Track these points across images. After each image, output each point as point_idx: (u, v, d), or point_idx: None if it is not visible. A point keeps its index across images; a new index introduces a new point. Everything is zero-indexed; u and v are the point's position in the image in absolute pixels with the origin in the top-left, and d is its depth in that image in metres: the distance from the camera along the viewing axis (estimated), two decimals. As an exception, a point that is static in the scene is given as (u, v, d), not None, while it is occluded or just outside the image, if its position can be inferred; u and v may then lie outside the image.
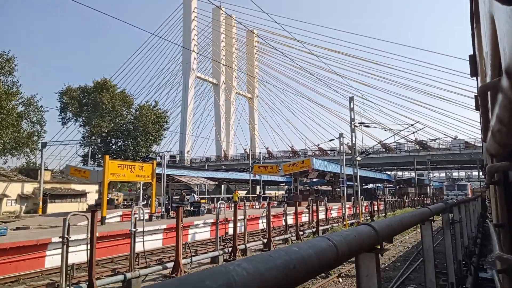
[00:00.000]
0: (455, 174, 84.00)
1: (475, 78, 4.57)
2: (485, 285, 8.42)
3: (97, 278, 9.87)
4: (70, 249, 11.76)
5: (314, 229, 20.88)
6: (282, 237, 18.09)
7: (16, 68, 38.52)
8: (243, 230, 16.01)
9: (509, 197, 2.89)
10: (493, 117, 1.02)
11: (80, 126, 53.96)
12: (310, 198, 26.48)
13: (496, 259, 2.65)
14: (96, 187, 41.14)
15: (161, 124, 55.42)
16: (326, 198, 35.59)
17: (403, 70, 61.44)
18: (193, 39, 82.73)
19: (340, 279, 10.67)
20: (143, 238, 10.87)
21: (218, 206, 15.07)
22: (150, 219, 20.62)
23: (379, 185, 68.63)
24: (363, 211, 29.80)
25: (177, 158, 73.95)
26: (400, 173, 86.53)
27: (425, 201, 51.87)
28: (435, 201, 51.51)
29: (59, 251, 8.82)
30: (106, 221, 21.65)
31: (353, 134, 24.47)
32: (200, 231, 19.20)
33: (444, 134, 57.88)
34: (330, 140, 33.04)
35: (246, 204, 38.57)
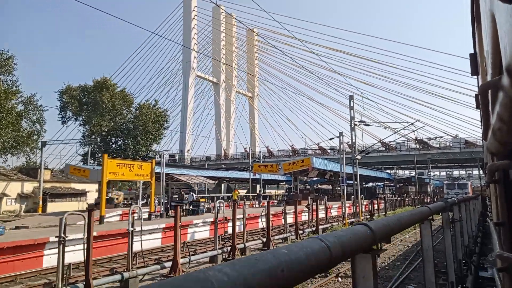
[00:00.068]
0: (456, 172, 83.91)
1: (475, 76, 4.56)
2: (486, 284, 8.35)
3: (95, 277, 9.81)
4: (68, 248, 11.71)
5: (313, 228, 20.82)
6: (281, 236, 18.05)
7: (16, 67, 38.50)
8: (242, 229, 15.94)
9: (510, 196, 2.84)
10: (493, 116, 1.02)
11: (80, 125, 53.99)
12: (310, 197, 26.37)
13: (497, 258, 2.66)
14: (96, 186, 41.10)
15: (161, 123, 55.37)
16: (326, 197, 35.51)
17: (404, 68, 61.26)
18: (193, 38, 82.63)
19: (339, 279, 10.60)
20: (141, 238, 10.79)
21: (217, 205, 15.00)
22: (149, 218, 20.56)
23: (380, 183, 68.54)
24: (363, 210, 29.74)
25: (176, 157, 73.88)
26: (400, 171, 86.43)
27: (425, 200, 51.79)
28: (435, 200, 51.44)
29: (57, 250, 8.75)
30: (106, 220, 21.62)
31: (353, 132, 24.39)
32: (199, 230, 19.15)
33: (445, 133, 57.85)
34: (330, 139, 32.93)
35: (246, 203, 38.63)
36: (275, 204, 41.65)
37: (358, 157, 25.02)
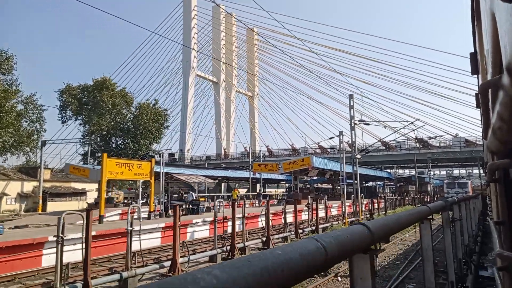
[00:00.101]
0: (456, 172, 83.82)
1: (475, 76, 4.56)
2: (486, 283, 8.31)
3: (94, 277, 9.78)
4: (67, 248, 11.69)
5: (313, 228, 20.79)
6: (281, 235, 18.02)
7: (15, 66, 38.46)
8: (242, 229, 15.90)
9: (510, 195, 2.84)
10: (493, 115, 1.02)
11: (80, 124, 53.96)
12: (310, 196, 26.34)
13: (497, 257, 2.70)
14: (96, 185, 41.05)
15: (161, 122, 55.33)
16: (326, 196, 35.47)
17: (404, 67, 61.16)
18: (193, 37, 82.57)
19: (339, 278, 10.58)
20: (139, 237, 10.76)
21: (216, 204, 14.97)
22: (148, 218, 20.52)
23: (380, 183, 68.50)
24: (363, 209, 29.70)
25: (176, 156, 73.86)
26: (400, 171, 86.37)
27: (425, 199, 51.75)
28: (435, 199, 51.40)
29: (55, 250, 8.71)
30: (106, 219, 21.58)
31: (353, 131, 24.35)
32: (199, 229, 19.12)
33: (445, 132, 57.74)
34: (330, 138, 32.94)
35: (246, 202, 38.61)
36: (275, 203, 41.64)
37: (358, 156, 24.98)
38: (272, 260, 1.23)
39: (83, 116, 52.11)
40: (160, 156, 29.16)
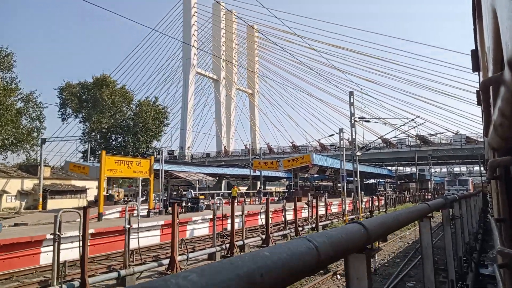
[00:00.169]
0: (457, 169, 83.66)
1: (477, 73, 4.52)
2: (486, 281, 8.24)
3: (92, 275, 9.73)
4: (65, 245, 11.65)
5: (313, 225, 20.74)
6: (281, 233, 17.98)
7: (15, 64, 38.33)
8: (241, 226, 15.85)
9: (511, 192, 2.83)
10: (495, 111, 1.03)
11: (80, 122, 53.80)
12: (309, 194, 26.31)
13: (497, 254, 2.65)
14: (96, 183, 41.05)
15: (161, 120, 55.16)
16: (326, 194, 35.39)
17: (404, 65, 61.11)
18: (193, 34, 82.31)
19: (338, 276, 10.51)
20: (137, 235, 10.70)
21: (215, 202, 14.91)
22: (148, 215, 20.47)
23: (380, 180, 68.43)
24: (364, 206, 29.64)
25: (175, 154, 73.80)
26: (401, 168, 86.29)
27: (426, 197, 51.71)
28: (436, 196, 51.33)
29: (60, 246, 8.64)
30: (106, 217, 21.54)
31: (353, 129, 24.24)
32: (198, 227, 19.07)
33: (446, 129, 57.62)
34: (330, 135, 32.90)
35: (246, 200, 38.58)
36: (276, 200, 41.63)
37: (358, 153, 24.88)
38: (258, 262, 1.15)
39: (83, 114, 51.95)
40: (159, 154, 29.05)
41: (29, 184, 42.54)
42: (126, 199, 34.94)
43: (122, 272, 9.42)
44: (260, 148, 70.52)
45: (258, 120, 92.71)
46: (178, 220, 11.33)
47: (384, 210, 31.94)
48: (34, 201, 40.81)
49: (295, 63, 70.67)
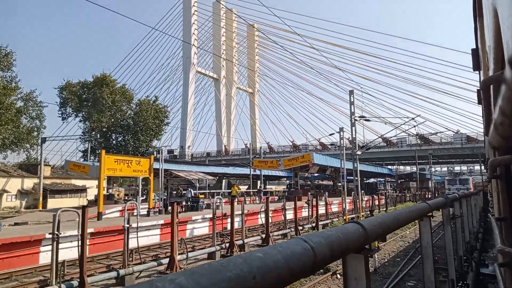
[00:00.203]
0: (457, 168, 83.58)
1: (477, 72, 4.53)
2: (487, 281, 8.20)
3: (91, 274, 9.71)
4: (65, 245, 11.62)
5: (313, 224, 20.71)
6: (281, 232, 17.94)
7: (15, 63, 38.31)
8: (241, 226, 15.81)
9: (511, 191, 2.83)
10: (495, 110, 1.03)
11: (80, 121, 53.82)
12: (310, 193, 26.27)
13: (498, 253, 2.71)
14: (97, 182, 41.03)
15: (161, 119, 55.15)
16: (326, 193, 35.39)
17: (405, 63, 60.96)
18: (193, 33, 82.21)
19: (338, 275, 10.48)
20: (137, 234, 10.67)
21: (215, 201, 14.87)
22: (147, 215, 20.44)
23: (381, 179, 68.38)
24: (364, 205, 29.59)
25: (177, 153, 73.78)
26: (401, 167, 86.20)
27: (426, 196, 51.64)
28: (436, 195, 51.29)
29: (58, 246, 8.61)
30: (106, 216, 21.52)
31: (353, 128, 24.18)
32: (198, 226, 19.04)
33: (446, 128, 57.54)
34: (331, 134, 32.79)
35: (246, 199, 38.46)
36: (276, 200, 41.59)
37: (359, 152, 24.83)
38: (251, 264, 1.11)
39: (83, 113, 51.96)
40: (158, 153, 29.01)
41: (29, 183, 42.53)
42: (126, 198, 34.95)
43: (121, 272, 9.39)
44: (261, 147, 70.49)
45: (258, 119, 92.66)
46: (177, 220, 11.30)
47: (384, 209, 31.90)
48: (34, 201, 40.80)
49: (295, 62, 70.67)
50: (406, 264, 11.99)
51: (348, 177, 28.59)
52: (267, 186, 67.80)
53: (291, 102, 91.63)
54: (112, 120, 51.47)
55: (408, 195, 48.94)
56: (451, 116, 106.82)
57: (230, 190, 42.76)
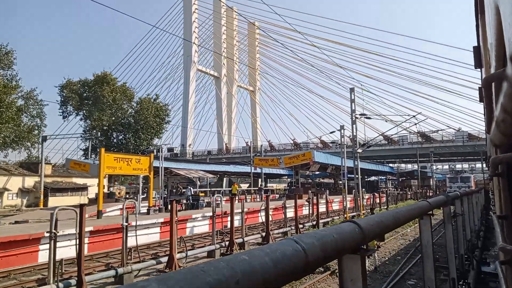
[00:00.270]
0: (459, 166, 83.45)
1: (479, 69, 4.53)
2: (488, 279, 8.13)
3: (90, 273, 9.67)
4: (64, 243, 11.60)
5: (314, 222, 20.65)
6: (281, 230, 17.87)
7: (15, 61, 38.26)
8: (241, 224, 15.75)
9: None
10: (497, 107, 1.03)
11: (81, 119, 53.78)
12: (310, 191, 26.21)
13: (500, 251, 2.72)
14: (98, 180, 41.03)
15: (162, 117, 55.05)
16: (327, 191, 35.28)
17: (406, 61, 60.68)
18: (194, 31, 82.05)
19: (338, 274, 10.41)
20: (135, 233, 10.62)
21: (214, 199, 14.81)
22: (148, 213, 20.40)
23: (382, 177, 68.25)
24: (365, 203, 29.51)
25: (175, 151, 73.78)
26: (403, 165, 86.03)
27: (428, 194, 51.54)
28: (437, 193, 51.19)
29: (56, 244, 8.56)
30: (106, 214, 21.51)
31: (354, 126, 24.08)
32: (198, 224, 18.99)
33: (447, 126, 57.32)
34: (331, 132, 32.60)
35: (247, 197, 38.39)
36: (277, 198, 41.55)
37: (359, 150, 24.73)
38: (234, 268, 1.03)
39: (84, 111, 51.92)
40: (158, 151, 28.94)
41: (30, 181, 42.55)
42: (127, 196, 34.95)
43: (120, 270, 9.34)
44: (261, 146, 70.41)
45: (259, 117, 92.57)
46: (176, 218, 11.24)
47: (385, 207, 31.83)
48: (35, 199, 40.83)
49: (296, 60, 70.46)
50: (407, 263, 11.92)
51: (349, 175, 28.50)
52: (268, 184, 67.76)
53: (292, 100, 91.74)
54: (113, 118, 51.41)
55: (409, 193, 48.85)
56: (453, 113, 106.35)
57: (230, 188, 42.77)
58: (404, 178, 65.25)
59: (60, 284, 7.81)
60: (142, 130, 52.10)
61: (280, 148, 74.14)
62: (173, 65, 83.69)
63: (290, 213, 20.43)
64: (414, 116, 25.07)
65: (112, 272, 9.28)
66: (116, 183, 40.33)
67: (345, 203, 24.46)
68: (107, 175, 29.48)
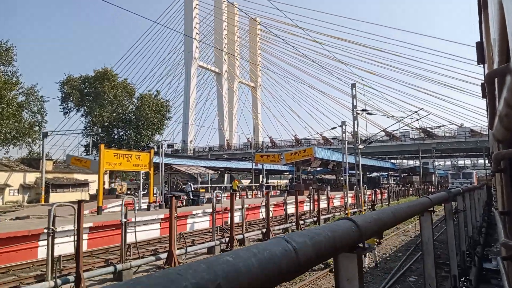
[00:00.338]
0: (461, 162, 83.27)
1: (481, 65, 4.48)
2: (490, 276, 8.05)
3: (88, 269, 9.63)
4: (64, 239, 11.58)
5: (315, 219, 20.60)
6: (282, 226, 17.83)
7: (16, 57, 38.15)
8: (242, 220, 15.70)
9: None
10: (500, 102, 1.03)
11: (82, 116, 53.74)
12: (311, 187, 26.14)
13: (502, 246, 2.73)
14: (99, 176, 41.05)
15: (163, 113, 54.95)
16: (328, 187, 35.22)
17: (408, 57, 60.50)
18: (194, 27, 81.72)
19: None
20: (134, 229, 10.57)
21: (216, 195, 14.76)
22: (148, 209, 20.38)
23: (384, 173, 68.15)
24: (367, 200, 29.44)
25: (178, 147, 73.73)
26: (405, 161, 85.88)
27: (430, 190, 51.43)
28: (439, 189, 51.08)
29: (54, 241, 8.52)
30: (108, 210, 21.52)
31: (355, 121, 23.96)
32: (199, 220, 18.96)
33: (450, 122, 57.10)
34: (333, 128, 32.63)
35: (249, 193, 38.34)
36: (278, 194, 41.53)
37: (361, 146, 24.62)
38: (216, 271, 0.94)
39: (85, 108, 51.85)
40: (158, 147, 28.88)
41: (31, 177, 42.63)
42: (129, 192, 34.98)
43: (119, 267, 9.30)
44: (263, 142, 70.20)
45: (260, 114, 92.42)
46: (176, 214, 11.18)
47: (387, 203, 31.76)
48: (37, 195, 40.93)
49: (297, 56, 70.17)
50: (408, 259, 11.85)
51: (350, 171, 28.42)
52: (270, 181, 67.78)
53: (293, 96, 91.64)
54: (114, 114, 51.33)
55: (411, 189, 48.75)
56: (455, 109, 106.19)
57: (231, 185, 42.75)
58: (406, 174, 65.12)
59: (58, 281, 7.77)
60: (143, 126, 52.03)
61: (281, 144, 74.04)
62: (174, 61, 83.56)
63: (291, 209, 20.37)
64: (416, 112, 24.95)
65: (111, 269, 9.24)
66: (117, 179, 40.42)
67: (346, 199, 24.39)
68: (107, 171, 29.49)
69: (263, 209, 18.05)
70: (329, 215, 22.94)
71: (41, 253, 11.73)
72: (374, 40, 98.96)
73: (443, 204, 6.17)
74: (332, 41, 65.98)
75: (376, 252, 11.63)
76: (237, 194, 29.49)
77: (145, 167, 22.65)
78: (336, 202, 31.00)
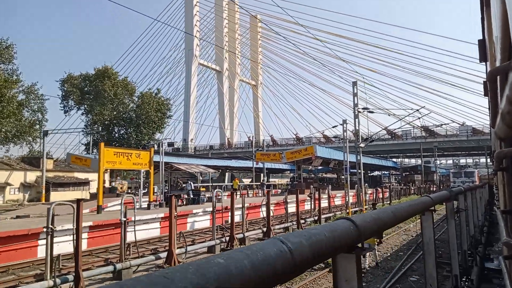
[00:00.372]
0: (463, 161, 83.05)
1: (484, 63, 4.45)
2: (491, 275, 7.99)
3: (88, 268, 9.60)
4: (64, 238, 11.55)
5: (316, 218, 20.55)
6: (282, 225, 17.78)
7: (16, 56, 38.11)
8: (242, 219, 15.65)
9: None
10: (502, 100, 1.03)
11: (82, 114, 53.74)
12: (312, 186, 26.05)
13: (503, 245, 2.69)
14: (100, 175, 41.01)
15: (163, 112, 54.91)
16: (329, 186, 35.15)
17: (410, 55, 60.21)
18: (195, 25, 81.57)
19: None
20: (134, 228, 10.53)
21: (216, 194, 14.71)
22: (148, 208, 20.35)
23: (385, 172, 68.06)
24: (368, 198, 29.39)
25: (178, 146, 73.69)
26: (406, 160, 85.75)
27: (431, 189, 51.33)
28: (441, 188, 50.99)
29: (53, 240, 8.48)
30: (108, 209, 21.50)
31: (357, 120, 23.89)
32: (199, 219, 18.92)
33: (452, 120, 56.97)
34: (334, 127, 32.48)
35: (249, 192, 38.29)
36: (279, 193, 41.48)
37: (362, 145, 24.55)
38: (205, 274, 0.89)
39: (85, 106, 51.83)
40: (158, 146, 28.85)
41: (32, 176, 42.64)
42: (129, 191, 34.97)
43: (118, 266, 9.26)
44: (264, 140, 70.13)
45: (261, 112, 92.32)
46: (176, 213, 11.14)
47: (388, 202, 31.70)
48: (37, 194, 40.94)
49: (299, 54, 70.06)
50: (409, 258, 11.80)
51: (352, 170, 28.34)
52: (271, 179, 67.70)
53: (294, 95, 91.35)
54: (114, 113, 51.32)
55: (412, 188, 48.66)
56: (457, 108, 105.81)
57: (232, 183, 42.73)
58: (408, 173, 65.02)
59: (57, 280, 7.74)
60: (143, 124, 52.01)
61: (282, 143, 73.92)
62: (175, 59, 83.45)
63: (292, 209, 20.31)
64: (417, 110, 24.88)
65: (110, 268, 9.20)
66: (118, 178, 40.36)
67: (347, 198, 24.33)
68: (108, 170, 29.45)
69: (264, 208, 18.02)
70: (330, 214, 22.89)
71: (41, 252, 11.70)
72: (375, 38, 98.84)
73: (444, 203, 6.12)
74: (333, 39, 65.84)
75: (376, 252, 11.57)
76: (238, 193, 29.46)
77: (145, 166, 22.62)
78: (337, 201, 30.93)
